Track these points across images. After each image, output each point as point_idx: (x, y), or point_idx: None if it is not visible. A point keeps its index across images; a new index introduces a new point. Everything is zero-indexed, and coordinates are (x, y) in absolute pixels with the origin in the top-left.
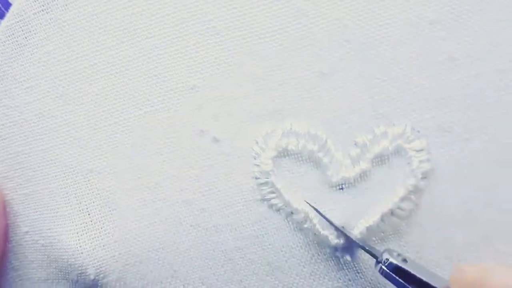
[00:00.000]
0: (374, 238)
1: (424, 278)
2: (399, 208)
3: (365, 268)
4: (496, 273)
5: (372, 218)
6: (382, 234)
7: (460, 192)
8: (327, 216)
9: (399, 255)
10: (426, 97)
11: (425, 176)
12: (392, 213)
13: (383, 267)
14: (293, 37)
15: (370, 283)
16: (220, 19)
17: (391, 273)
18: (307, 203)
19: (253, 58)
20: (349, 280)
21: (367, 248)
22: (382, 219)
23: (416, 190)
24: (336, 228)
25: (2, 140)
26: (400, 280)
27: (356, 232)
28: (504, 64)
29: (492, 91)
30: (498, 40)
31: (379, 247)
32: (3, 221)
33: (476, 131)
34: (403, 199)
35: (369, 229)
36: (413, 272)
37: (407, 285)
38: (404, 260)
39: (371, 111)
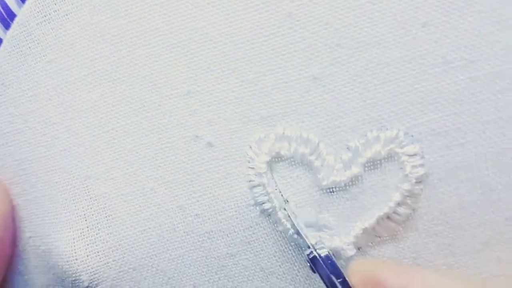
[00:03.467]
0: (370, 243)
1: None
2: (395, 212)
3: None
4: (388, 271)
5: (368, 221)
6: (379, 239)
7: (459, 197)
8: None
9: (330, 250)
10: (419, 101)
11: (419, 181)
12: (388, 217)
13: (315, 252)
14: (285, 42)
15: None
16: (213, 25)
17: (320, 260)
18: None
19: (245, 63)
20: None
21: (303, 234)
22: (378, 222)
23: (411, 195)
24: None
25: (8, 147)
26: (325, 267)
27: (352, 235)
28: (499, 67)
29: (488, 94)
30: (492, 42)
31: (375, 252)
32: (12, 225)
33: (471, 135)
34: (399, 204)
35: (365, 231)
36: (338, 265)
37: (331, 276)
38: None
39: (364, 115)
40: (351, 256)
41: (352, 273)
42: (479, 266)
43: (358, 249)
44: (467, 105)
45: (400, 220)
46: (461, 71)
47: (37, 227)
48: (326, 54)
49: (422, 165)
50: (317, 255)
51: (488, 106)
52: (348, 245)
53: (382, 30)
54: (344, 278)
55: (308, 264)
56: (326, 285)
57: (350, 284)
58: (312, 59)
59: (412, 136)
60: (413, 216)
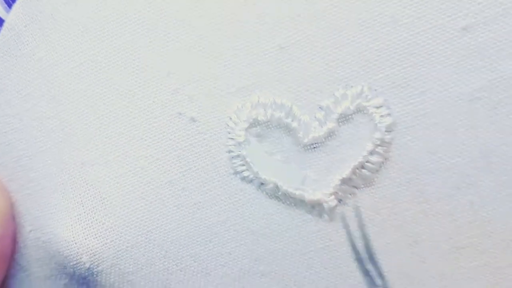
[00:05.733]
0: (349, 195)
1: None
2: (368, 162)
3: (343, 227)
4: None
5: (345, 172)
6: (356, 190)
7: (426, 143)
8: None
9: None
10: (376, 58)
11: (390, 130)
12: (362, 166)
13: None
14: (251, 17)
15: (348, 239)
16: (186, 10)
17: None
18: None
19: (219, 41)
20: (330, 240)
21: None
22: (353, 172)
23: (382, 143)
24: None
25: (5, 146)
26: None
27: (331, 186)
28: (442, 20)
29: (436, 45)
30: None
31: (354, 203)
32: (12, 223)
33: (429, 84)
34: (371, 152)
35: (343, 182)
36: None
37: None
38: None
39: (328, 77)
40: (333, 207)
41: None
42: (452, 212)
43: (339, 201)
44: (419, 57)
45: (373, 168)
46: (410, 27)
47: (37, 219)
48: (288, 25)
49: (389, 115)
50: None
51: (438, 56)
52: (329, 197)
53: None
54: None
55: None
56: None
57: None
58: (276, 30)
59: (376, 90)
60: (385, 165)
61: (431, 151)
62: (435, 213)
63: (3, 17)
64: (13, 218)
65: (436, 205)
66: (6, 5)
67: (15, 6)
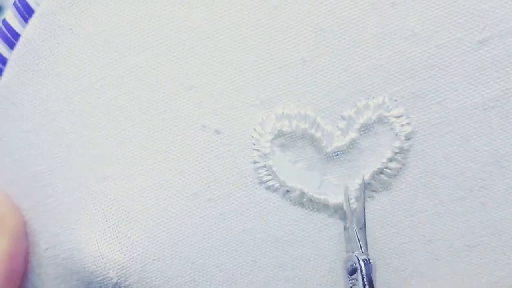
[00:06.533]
0: (368, 198)
1: None
2: (387, 168)
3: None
4: None
5: (365, 177)
6: (375, 193)
7: (442, 149)
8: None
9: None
10: (397, 70)
11: (408, 138)
12: (381, 172)
13: None
14: (274, 31)
15: (371, 245)
16: (208, 24)
17: None
18: None
19: (241, 55)
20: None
21: None
22: (373, 177)
23: (401, 151)
24: None
25: (21, 161)
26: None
27: (351, 190)
28: (460, 33)
29: (454, 57)
30: (452, 13)
31: (373, 206)
32: (25, 243)
33: (446, 94)
34: (390, 159)
35: (362, 186)
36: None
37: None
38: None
39: (351, 88)
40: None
41: None
42: (465, 213)
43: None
44: (438, 69)
45: (392, 174)
46: (429, 41)
47: (55, 236)
48: (311, 39)
49: (409, 124)
50: None
51: (456, 68)
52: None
53: (357, 12)
54: None
55: None
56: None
57: None
58: (300, 44)
59: (396, 100)
60: (403, 171)
61: (446, 157)
62: (449, 214)
63: (19, 32)
64: (25, 236)
65: (450, 206)
66: (21, 19)
67: (32, 20)
